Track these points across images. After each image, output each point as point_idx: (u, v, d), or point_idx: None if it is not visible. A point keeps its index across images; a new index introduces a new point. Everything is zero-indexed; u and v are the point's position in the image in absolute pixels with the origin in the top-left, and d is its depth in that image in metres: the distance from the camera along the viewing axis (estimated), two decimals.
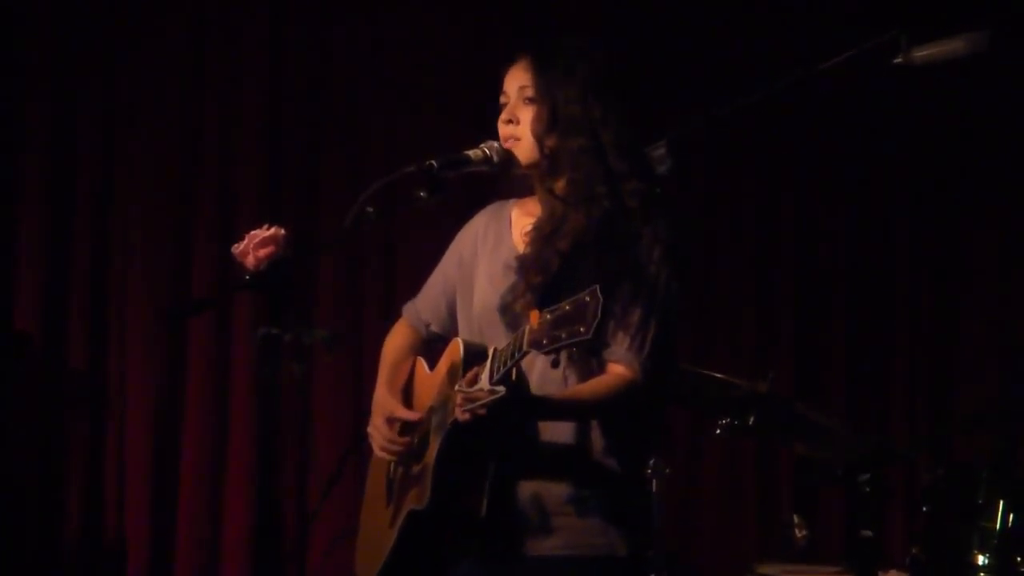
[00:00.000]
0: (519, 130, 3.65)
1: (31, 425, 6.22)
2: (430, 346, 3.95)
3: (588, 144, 3.59)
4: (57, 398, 6.28)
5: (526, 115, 3.65)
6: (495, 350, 3.39)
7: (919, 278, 6.67)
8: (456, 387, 3.42)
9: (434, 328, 3.93)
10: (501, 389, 3.36)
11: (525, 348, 3.27)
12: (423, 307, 3.96)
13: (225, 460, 6.30)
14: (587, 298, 3.16)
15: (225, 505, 6.29)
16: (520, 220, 3.78)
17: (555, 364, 3.43)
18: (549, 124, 3.62)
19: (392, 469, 3.87)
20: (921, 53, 3.48)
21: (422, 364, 3.93)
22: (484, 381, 3.37)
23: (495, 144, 3.68)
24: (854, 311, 6.65)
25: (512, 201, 3.84)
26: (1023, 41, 5.99)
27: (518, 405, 3.42)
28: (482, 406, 3.37)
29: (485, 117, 3.77)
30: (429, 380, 3.82)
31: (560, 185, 3.65)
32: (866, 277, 6.66)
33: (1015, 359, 6.29)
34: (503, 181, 3.74)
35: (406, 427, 3.77)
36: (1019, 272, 6.57)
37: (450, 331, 3.89)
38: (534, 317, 3.25)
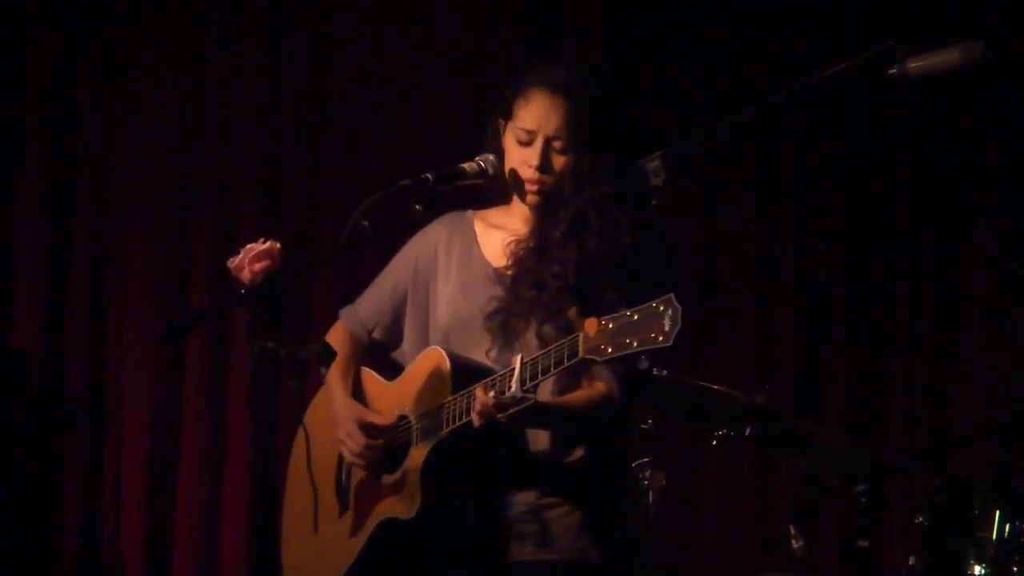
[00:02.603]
0: (549, 179, 3.68)
1: (28, 442, 6.22)
2: (370, 353, 3.95)
3: (611, 192, 3.64)
4: (55, 415, 6.27)
5: (557, 163, 3.67)
6: (523, 359, 3.41)
7: (918, 291, 6.66)
8: (484, 394, 3.43)
9: (377, 335, 3.93)
10: (532, 397, 3.40)
11: (582, 355, 3.29)
12: (366, 313, 3.95)
13: (222, 475, 6.29)
14: (660, 307, 3.18)
15: (222, 521, 6.29)
16: (489, 233, 3.81)
17: (615, 371, 3.49)
18: (582, 173, 3.66)
19: (344, 478, 3.85)
20: (915, 64, 3.48)
21: (371, 374, 3.92)
22: (516, 388, 3.39)
23: (490, 157, 3.70)
24: (853, 324, 6.64)
25: (470, 212, 3.86)
26: (1018, 50, 6.01)
27: (531, 413, 3.46)
28: (508, 414, 3.40)
29: (485, 123, 3.78)
30: (392, 390, 3.82)
31: (563, 213, 3.67)
32: (865, 290, 6.66)
33: (1013, 372, 6.29)
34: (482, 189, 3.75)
35: (373, 434, 3.77)
36: (1017, 286, 6.56)
37: (394, 338, 3.90)
38: (591, 325, 3.26)
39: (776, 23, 6.52)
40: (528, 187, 3.68)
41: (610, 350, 3.23)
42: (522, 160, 3.68)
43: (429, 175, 3.61)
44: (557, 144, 3.67)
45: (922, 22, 6.12)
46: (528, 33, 6.41)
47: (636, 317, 3.20)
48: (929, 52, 3.47)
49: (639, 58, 6.46)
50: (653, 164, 3.45)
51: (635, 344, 3.19)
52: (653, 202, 3.51)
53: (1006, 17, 6.09)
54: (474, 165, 3.69)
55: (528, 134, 3.68)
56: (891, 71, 3.50)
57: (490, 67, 6.15)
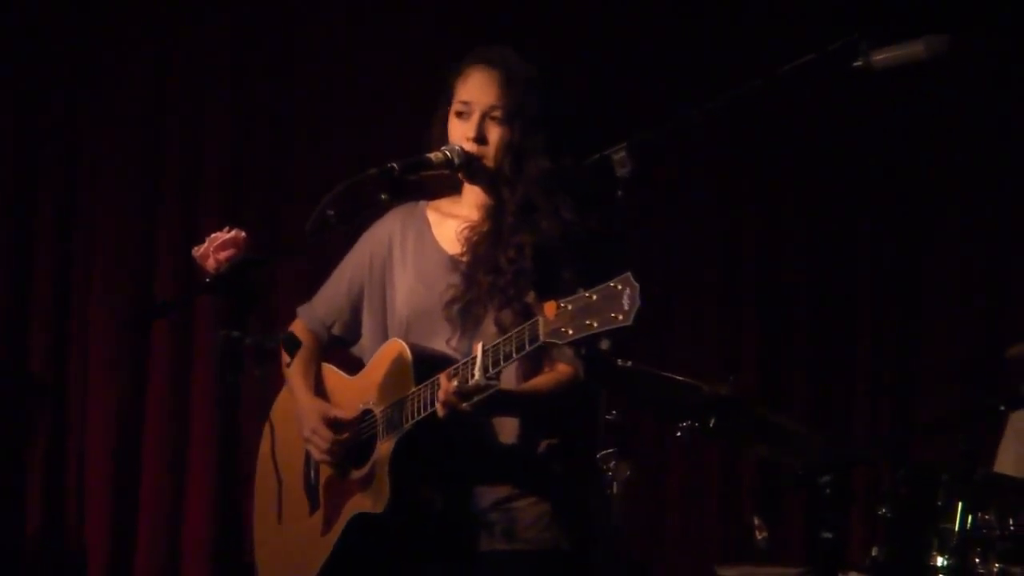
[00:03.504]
0: (485, 149, 3.68)
1: None
2: (328, 350, 3.94)
3: (550, 166, 3.66)
4: (17, 404, 6.25)
5: (494, 135, 3.70)
6: (484, 346, 3.41)
7: (881, 282, 6.69)
8: (448, 383, 3.43)
9: (336, 331, 3.94)
10: (495, 383, 3.41)
11: (543, 339, 3.29)
12: (324, 310, 3.96)
13: (186, 464, 6.29)
14: (619, 286, 3.18)
15: (186, 510, 6.28)
16: (443, 221, 3.83)
17: (577, 353, 3.49)
18: (517, 145, 3.68)
19: (312, 476, 3.84)
20: (880, 57, 3.48)
21: (333, 370, 3.92)
22: (479, 376, 3.39)
23: (456, 147, 3.71)
24: (816, 314, 6.67)
25: (423, 203, 3.87)
26: (985, 45, 6.03)
27: (496, 400, 3.46)
28: (472, 403, 3.40)
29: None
30: (354, 384, 3.81)
31: (508, 194, 3.69)
32: (828, 281, 6.68)
33: (975, 362, 6.32)
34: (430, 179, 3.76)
35: (339, 430, 3.77)
36: (980, 277, 6.60)
37: (353, 334, 3.90)
38: (550, 308, 3.26)
39: (744, 14, 6.53)
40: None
41: (571, 332, 3.23)
42: (460, 134, 3.71)
43: (395, 164, 3.61)
44: (495, 114, 3.70)
45: (889, 15, 6.16)
46: (496, 23, 6.40)
47: (595, 298, 3.20)
48: (894, 45, 3.48)
49: (606, 50, 6.46)
50: (619, 155, 3.44)
51: (595, 324, 3.20)
52: (619, 192, 3.51)
53: (971, 10, 6.11)
54: (440, 155, 3.70)
55: (465, 106, 3.72)
56: (856, 63, 3.51)
57: (458, 57, 6.14)
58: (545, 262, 3.62)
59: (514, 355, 3.38)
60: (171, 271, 6.28)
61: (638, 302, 3.15)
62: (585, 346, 3.32)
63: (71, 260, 6.33)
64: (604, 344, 3.23)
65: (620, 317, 3.17)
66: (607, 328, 3.19)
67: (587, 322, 3.21)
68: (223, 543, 5.75)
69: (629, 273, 3.18)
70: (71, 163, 6.35)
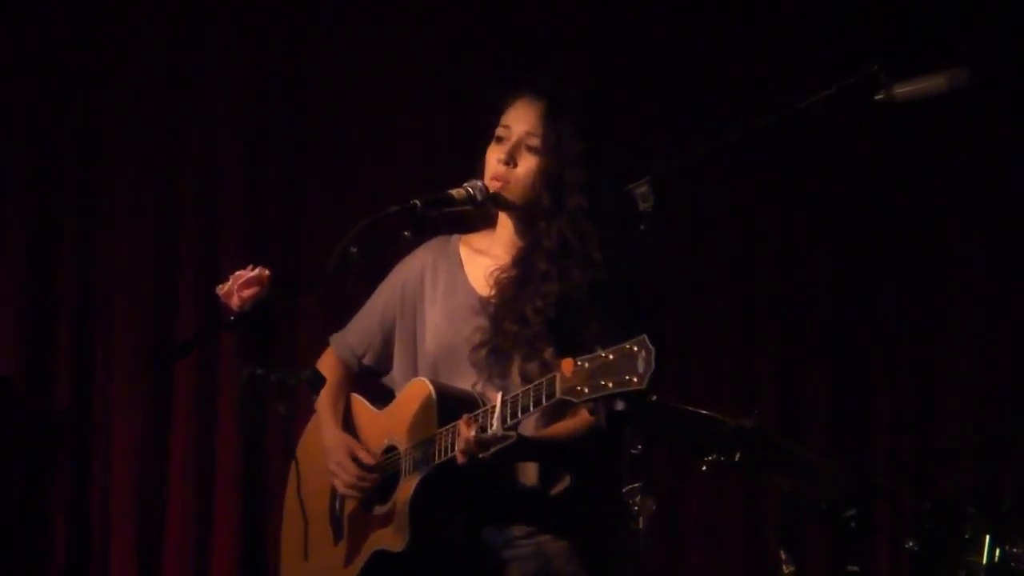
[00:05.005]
0: (514, 174, 3.67)
1: (15, 468, 6.19)
2: (360, 380, 3.95)
3: (587, 206, 3.64)
4: (41, 440, 6.25)
5: (526, 163, 3.68)
6: (503, 397, 3.42)
7: (902, 312, 6.66)
8: (468, 431, 3.44)
9: (367, 361, 3.94)
10: (513, 435, 3.42)
11: (559, 396, 3.30)
12: (355, 340, 3.95)
13: (212, 500, 6.27)
14: (634, 347, 3.19)
15: (212, 545, 6.26)
16: (474, 259, 3.82)
17: (593, 412, 3.48)
18: (551, 181, 3.66)
19: (337, 507, 3.86)
20: (903, 90, 3.49)
21: (362, 402, 3.92)
22: (497, 427, 3.40)
23: (478, 183, 3.70)
24: (835, 348, 6.64)
25: (456, 237, 3.87)
26: (1002, 75, 6.03)
27: (516, 448, 3.46)
28: (490, 453, 3.41)
29: (471, 155, 3.79)
30: (381, 419, 3.82)
31: (544, 231, 3.67)
32: (848, 312, 6.66)
33: (997, 393, 6.30)
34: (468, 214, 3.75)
35: (364, 465, 3.78)
36: (1000, 307, 6.57)
37: (384, 364, 3.90)
38: (567, 366, 3.27)
39: (762, 46, 6.53)
40: (491, 183, 3.68)
41: (586, 391, 3.25)
42: (493, 157, 3.70)
43: (417, 201, 3.61)
44: (530, 143, 3.68)
45: (905, 47, 6.16)
46: (515, 59, 6.41)
47: (611, 357, 3.21)
48: (916, 77, 3.48)
49: (624, 82, 6.47)
50: (641, 189, 3.45)
51: (610, 385, 3.21)
52: (641, 227, 3.51)
53: (989, 41, 6.12)
54: (462, 191, 3.69)
55: (505, 130, 3.71)
56: (878, 96, 3.51)
57: (477, 93, 6.15)
58: (572, 313, 3.60)
59: (531, 408, 3.40)
60: (192, 308, 6.28)
61: (653, 366, 3.17)
62: (600, 405, 3.34)
63: (93, 298, 6.34)
64: (620, 405, 3.24)
65: (635, 380, 3.18)
66: (621, 391, 3.20)
67: (602, 382, 3.22)
68: None
69: (645, 336, 3.19)
70: (91, 199, 6.36)
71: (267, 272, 3.60)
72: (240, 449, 6.17)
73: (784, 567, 5.16)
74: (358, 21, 6.49)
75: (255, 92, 6.46)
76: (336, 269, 3.51)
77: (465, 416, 3.49)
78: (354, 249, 3.51)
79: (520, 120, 3.70)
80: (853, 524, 4.69)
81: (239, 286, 3.57)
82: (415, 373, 3.77)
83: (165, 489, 6.28)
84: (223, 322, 3.61)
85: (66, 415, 6.28)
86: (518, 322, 3.62)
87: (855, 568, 4.72)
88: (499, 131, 3.72)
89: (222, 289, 3.59)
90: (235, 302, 3.57)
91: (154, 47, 6.42)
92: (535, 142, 3.67)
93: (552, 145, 3.66)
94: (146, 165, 6.39)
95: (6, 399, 6.11)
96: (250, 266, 3.61)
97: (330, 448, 3.82)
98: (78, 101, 6.38)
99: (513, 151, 3.68)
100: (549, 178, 3.67)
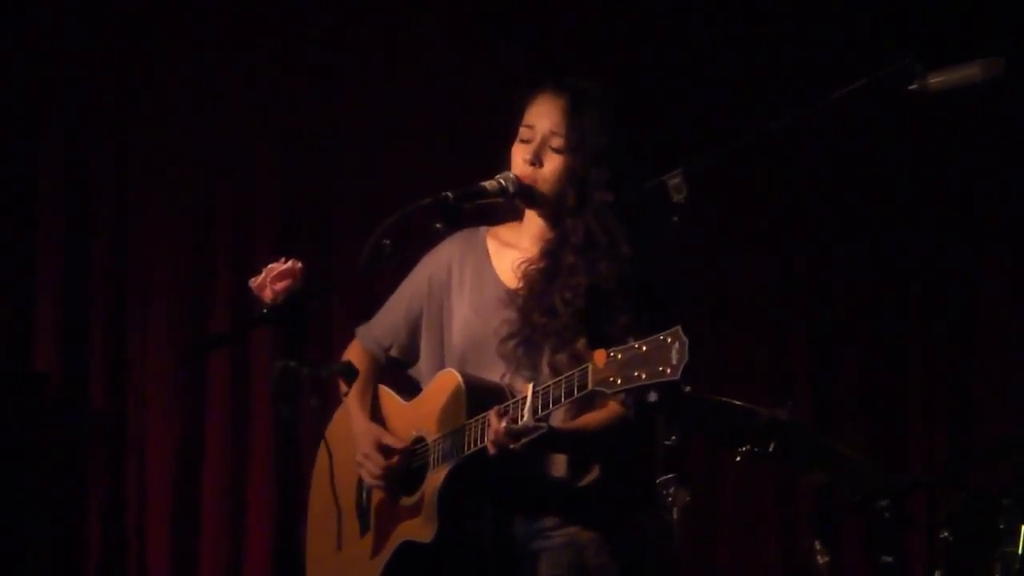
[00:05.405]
0: (540, 174, 3.68)
1: (52, 468, 6.21)
2: (386, 371, 3.95)
3: (612, 201, 3.64)
4: (77, 437, 6.28)
5: (552, 162, 3.68)
6: (535, 388, 3.43)
7: (935, 303, 6.64)
8: (499, 422, 3.45)
9: (393, 353, 3.95)
10: (544, 426, 3.42)
11: (591, 387, 3.30)
12: (382, 331, 3.96)
13: (245, 495, 6.29)
14: (668, 339, 3.19)
15: (247, 543, 6.29)
16: (502, 251, 3.82)
17: (624, 403, 3.48)
18: (576, 178, 3.66)
19: (364, 497, 3.86)
20: (937, 80, 3.48)
21: (389, 393, 3.93)
22: (528, 418, 3.40)
23: (511, 175, 3.70)
24: (870, 339, 6.62)
25: (484, 229, 3.87)
26: None
27: (546, 440, 3.45)
28: (521, 444, 3.40)
29: (497, 149, 3.79)
30: (409, 410, 3.82)
31: (571, 227, 3.67)
32: (882, 303, 6.64)
33: None
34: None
35: (391, 456, 3.78)
36: None
37: (410, 356, 3.90)
38: (600, 356, 3.28)
39: (792, 38, 6.52)
40: (518, 180, 3.69)
41: (619, 382, 3.25)
42: (519, 157, 3.70)
43: (449, 193, 3.61)
44: (555, 142, 3.68)
45: (937, 37, 6.14)
46: (540, 55, 6.40)
47: (644, 349, 3.21)
48: (949, 67, 3.47)
49: (652, 77, 6.46)
50: (674, 181, 3.44)
51: (643, 376, 3.21)
52: (674, 219, 3.51)
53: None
54: (494, 183, 3.70)
55: (529, 130, 3.71)
56: (911, 87, 3.50)
57: (502, 87, 6.15)
58: (601, 305, 3.61)
59: (563, 399, 3.40)
60: (226, 303, 6.30)
61: (687, 357, 3.17)
62: (632, 397, 3.33)
63: (127, 295, 6.36)
64: (652, 396, 3.24)
65: (668, 371, 3.18)
66: (655, 381, 3.20)
67: (635, 373, 3.22)
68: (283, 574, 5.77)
69: (679, 327, 3.19)
70: (125, 197, 6.38)
71: (299, 265, 3.61)
72: (274, 444, 6.18)
73: (820, 557, 5.15)
74: (392, 14, 6.51)
75: (288, 87, 6.48)
76: (369, 263, 3.52)
77: (496, 407, 3.49)
78: (387, 242, 3.51)
79: (543, 117, 3.70)
80: (887, 515, 4.68)
81: (272, 279, 3.59)
82: (442, 365, 3.78)
83: (200, 485, 6.30)
84: (256, 315, 3.62)
85: (102, 413, 6.30)
86: (547, 314, 3.62)
87: (889, 559, 4.70)
88: (523, 131, 3.72)
89: (255, 281, 3.61)
90: (268, 295, 3.58)
91: (186, 48, 6.45)
92: (559, 143, 3.68)
93: (576, 143, 3.67)
94: (180, 163, 6.41)
95: (43, 397, 6.13)
96: (283, 259, 3.62)
97: (358, 438, 3.84)
98: (113, 100, 6.41)
99: (538, 151, 3.69)
100: (574, 176, 3.67)
